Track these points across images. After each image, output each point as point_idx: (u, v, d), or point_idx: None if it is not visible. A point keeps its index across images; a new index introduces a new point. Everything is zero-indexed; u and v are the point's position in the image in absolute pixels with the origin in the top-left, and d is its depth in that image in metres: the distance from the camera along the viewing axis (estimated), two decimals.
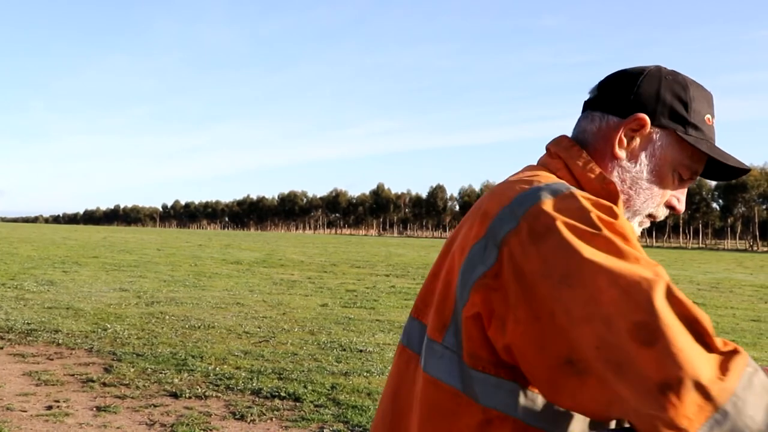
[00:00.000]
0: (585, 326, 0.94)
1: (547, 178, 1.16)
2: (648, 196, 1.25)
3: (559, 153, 1.26)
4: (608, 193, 1.19)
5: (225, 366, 7.55)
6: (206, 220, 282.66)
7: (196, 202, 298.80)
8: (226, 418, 5.76)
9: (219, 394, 6.41)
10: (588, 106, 1.30)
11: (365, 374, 7.31)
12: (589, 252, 0.98)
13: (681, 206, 1.29)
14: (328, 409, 6.03)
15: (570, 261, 0.98)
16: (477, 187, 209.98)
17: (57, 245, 36.79)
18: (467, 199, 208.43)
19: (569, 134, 1.32)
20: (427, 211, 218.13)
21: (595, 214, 1.03)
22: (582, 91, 1.35)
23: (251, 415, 5.80)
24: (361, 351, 8.65)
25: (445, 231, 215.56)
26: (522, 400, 1.06)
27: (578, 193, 1.07)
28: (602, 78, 1.32)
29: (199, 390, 6.51)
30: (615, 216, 1.04)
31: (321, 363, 7.85)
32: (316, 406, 6.13)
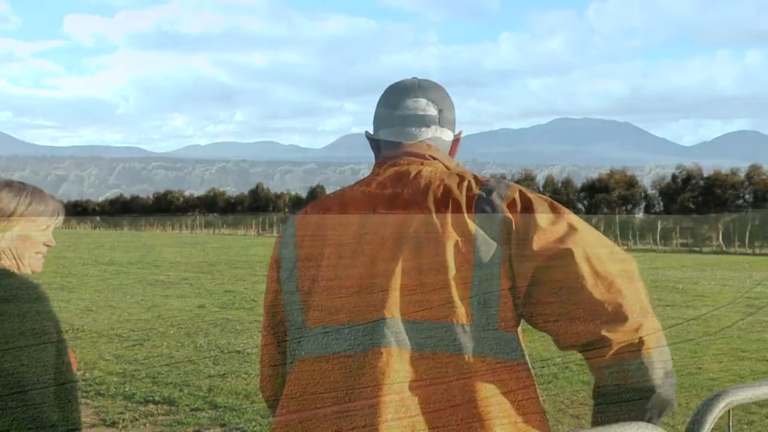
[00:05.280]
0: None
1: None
2: None
3: None
4: None
5: (95, 371, 7.26)
6: (75, 220, 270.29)
7: (65, 201, 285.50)
8: (96, 425, 5.54)
9: (89, 401, 6.15)
10: None
11: (243, 376, 7.22)
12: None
13: None
14: (204, 412, 5.92)
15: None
16: None
17: None
18: None
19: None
20: None
21: None
22: None
23: (123, 421, 5.61)
24: (239, 352, 8.53)
25: None
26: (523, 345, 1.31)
27: None
28: None
29: None
30: None
31: (198, 365, 7.68)
32: (192, 409, 5.99)
